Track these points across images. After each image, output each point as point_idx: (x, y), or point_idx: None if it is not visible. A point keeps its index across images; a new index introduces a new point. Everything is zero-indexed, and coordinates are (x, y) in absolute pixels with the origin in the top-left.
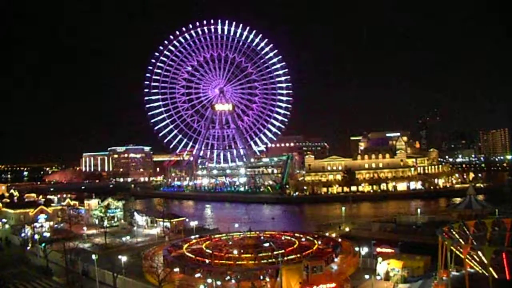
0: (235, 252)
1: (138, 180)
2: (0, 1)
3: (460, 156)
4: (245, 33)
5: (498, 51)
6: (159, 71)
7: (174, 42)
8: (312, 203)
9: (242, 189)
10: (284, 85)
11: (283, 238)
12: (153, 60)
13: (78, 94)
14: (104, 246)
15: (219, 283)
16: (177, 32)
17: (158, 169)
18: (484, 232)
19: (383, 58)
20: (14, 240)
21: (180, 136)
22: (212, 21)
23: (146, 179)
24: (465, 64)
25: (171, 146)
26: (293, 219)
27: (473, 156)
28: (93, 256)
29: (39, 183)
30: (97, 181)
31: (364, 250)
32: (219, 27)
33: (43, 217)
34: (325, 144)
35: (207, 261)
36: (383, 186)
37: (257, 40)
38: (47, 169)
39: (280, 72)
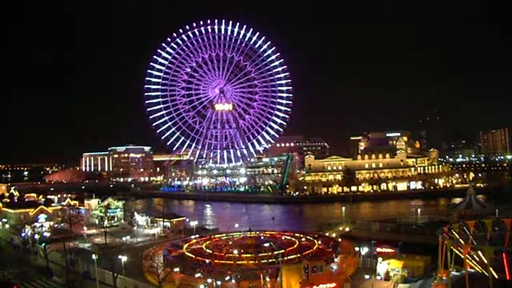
0: (235, 252)
1: (138, 180)
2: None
3: (460, 156)
4: (243, 32)
5: (498, 50)
6: (159, 73)
7: (172, 44)
8: (312, 203)
9: (242, 189)
10: (284, 81)
11: (283, 238)
12: (153, 63)
13: (78, 94)
14: (104, 246)
15: (219, 283)
16: (175, 34)
17: (158, 169)
18: (484, 232)
19: (383, 58)
20: (14, 239)
21: (182, 138)
22: (209, 21)
23: (146, 179)
24: (465, 64)
25: (174, 148)
26: (293, 219)
27: (473, 156)
28: (93, 256)
29: (39, 183)
30: (97, 181)
31: (364, 250)
32: (216, 26)
33: (43, 217)
34: (325, 144)
35: (207, 261)
36: (383, 186)
37: (254, 38)
38: (47, 169)
39: (279, 69)
